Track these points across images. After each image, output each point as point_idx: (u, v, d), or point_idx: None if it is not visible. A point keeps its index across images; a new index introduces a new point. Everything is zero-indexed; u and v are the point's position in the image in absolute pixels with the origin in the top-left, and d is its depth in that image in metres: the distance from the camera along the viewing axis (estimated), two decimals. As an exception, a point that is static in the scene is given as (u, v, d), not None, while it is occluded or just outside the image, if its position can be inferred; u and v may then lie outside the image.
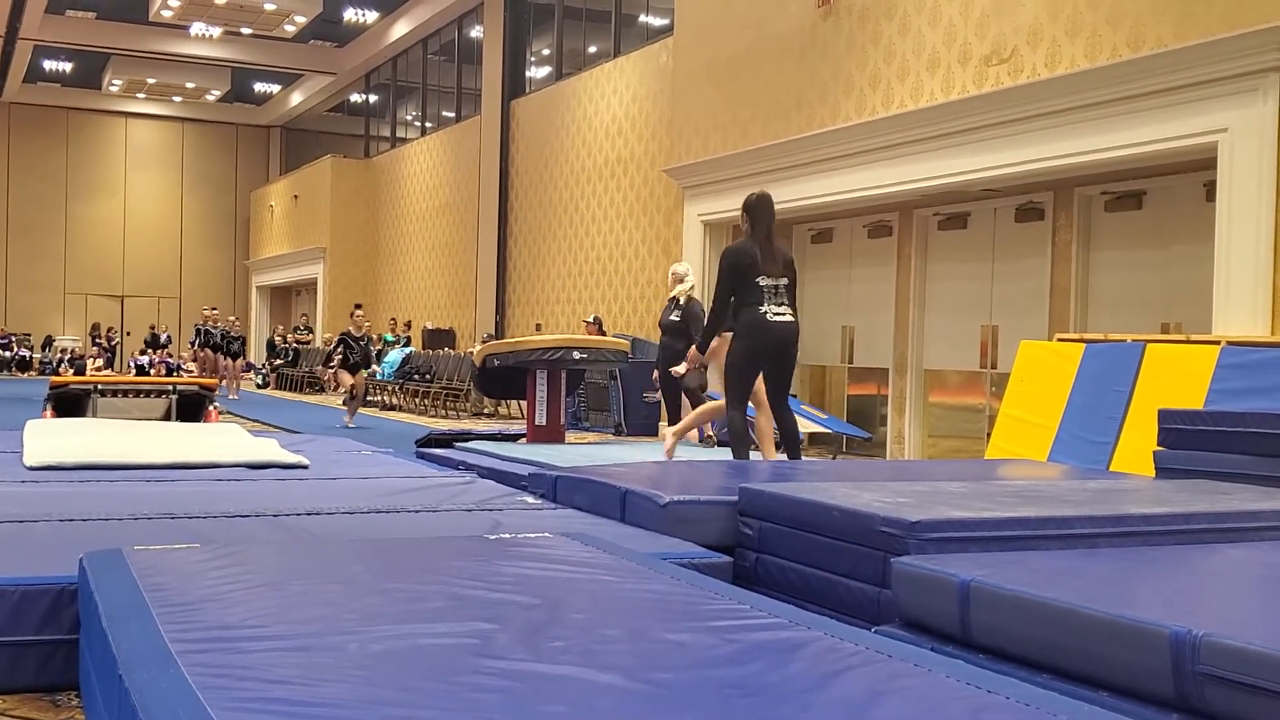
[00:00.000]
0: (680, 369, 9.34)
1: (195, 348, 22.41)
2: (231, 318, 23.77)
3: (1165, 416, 6.33)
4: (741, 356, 7.15)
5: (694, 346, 7.82)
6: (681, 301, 9.64)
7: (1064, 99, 9.81)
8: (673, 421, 10.20)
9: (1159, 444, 6.34)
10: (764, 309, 7.06)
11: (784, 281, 7.16)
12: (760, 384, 7.40)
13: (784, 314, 7.12)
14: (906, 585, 3.57)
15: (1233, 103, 8.62)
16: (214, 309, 22.96)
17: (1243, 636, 2.64)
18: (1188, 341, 8.35)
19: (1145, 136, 9.25)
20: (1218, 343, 8.01)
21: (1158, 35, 9.10)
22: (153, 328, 31.40)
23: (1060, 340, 9.30)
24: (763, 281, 7.08)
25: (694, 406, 9.62)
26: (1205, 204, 9.51)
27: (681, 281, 9.73)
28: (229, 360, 21.40)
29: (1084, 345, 8.83)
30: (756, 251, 7.11)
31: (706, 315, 9.56)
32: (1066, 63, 9.86)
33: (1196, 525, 4.28)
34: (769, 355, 7.17)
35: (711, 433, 9.46)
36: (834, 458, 12.16)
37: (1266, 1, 8.34)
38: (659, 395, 13.46)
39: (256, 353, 30.29)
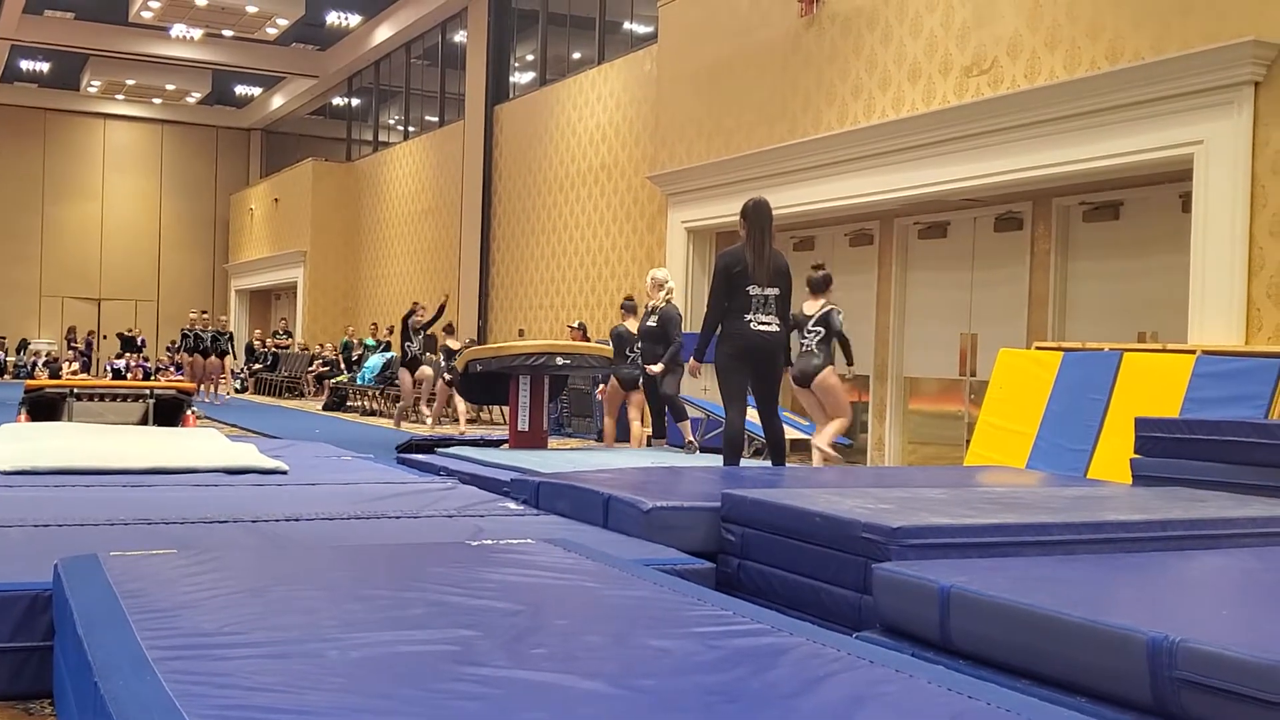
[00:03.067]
0: (656, 368, 9.39)
1: (174, 352, 22.26)
2: (221, 316, 23.66)
3: (1142, 424, 6.37)
4: (725, 360, 7.21)
5: (690, 356, 7.83)
6: (659, 306, 9.66)
7: (1043, 110, 9.87)
8: (655, 428, 10.21)
9: (1136, 451, 6.37)
10: (749, 318, 7.08)
11: (774, 292, 7.16)
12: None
13: (769, 324, 7.13)
14: (887, 591, 3.58)
15: (1208, 115, 8.68)
16: (204, 312, 22.85)
17: (1219, 642, 2.66)
18: (1164, 350, 8.41)
19: (1123, 148, 9.32)
20: (1193, 352, 8.07)
21: (1135, 48, 9.16)
22: (128, 330, 31.20)
23: (1039, 348, 9.35)
24: (752, 290, 7.09)
25: (672, 414, 9.64)
26: (1181, 215, 9.58)
27: (661, 288, 9.75)
28: (216, 360, 21.26)
29: (1062, 353, 8.87)
30: (749, 259, 7.12)
31: (680, 320, 9.66)
32: (1046, 74, 9.91)
33: (1173, 532, 4.31)
34: (750, 364, 7.18)
35: (692, 438, 9.47)
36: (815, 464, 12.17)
37: (1242, 16, 8.41)
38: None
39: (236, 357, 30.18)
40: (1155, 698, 2.74)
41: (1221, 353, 8.00)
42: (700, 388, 11.44)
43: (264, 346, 27.25)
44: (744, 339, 7.10)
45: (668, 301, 9.72)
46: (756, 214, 7.23)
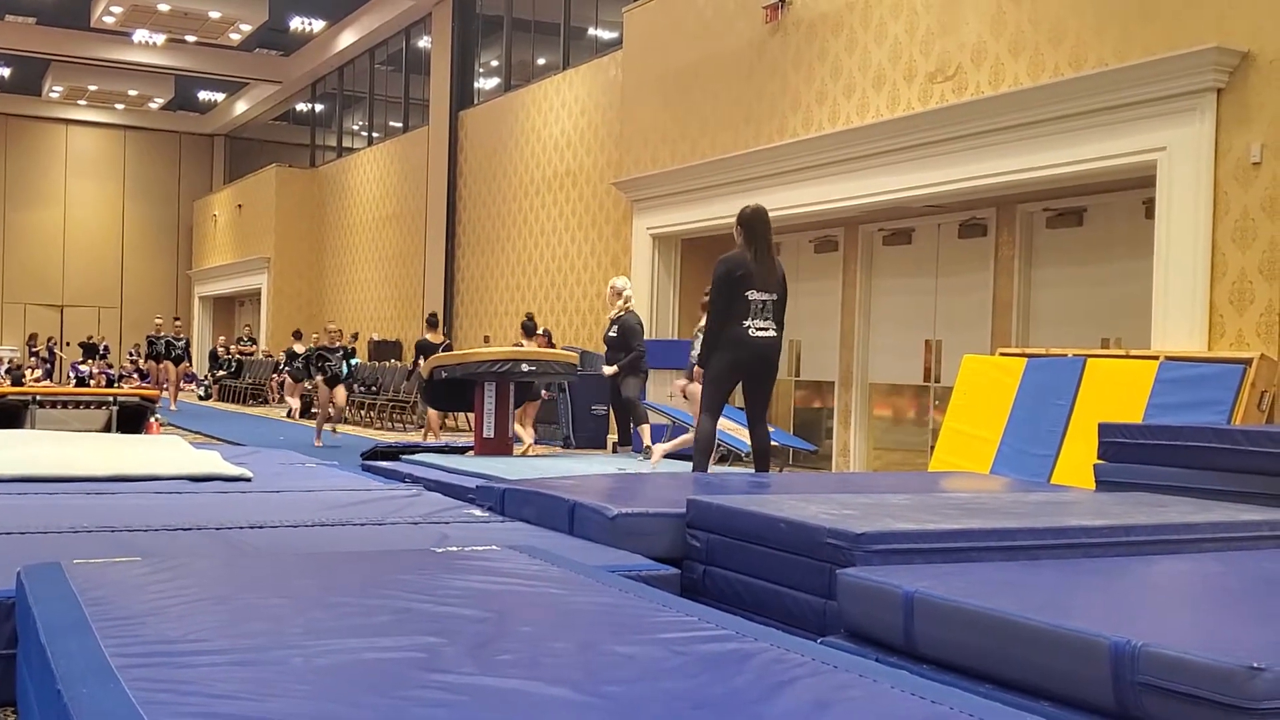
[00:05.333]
0: (610, 369, 9.48)
1: (137, 359, 22.10)
2: (175, 320, 23.50)
3: (1105, 430, 6.42)
4: (721, 368, 7.14)
5: (695, 365, 7.77)
6: (618, 316, 9.70)
7: (1007, 117, 9.94)
8: (622, 434, 10.23)
9: (1099, 457, 6.42)
10: (748, 324, 7.01)
11: (773, 297, 7.10)
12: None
13: (767, 330, 7.07)
14: (852, 596, 3.59)
15: (1171, 122, 8.77)
16: (176, 319, 22.73)
17: (1181, 646, 2.68)
18: (1127, 356, 8.49)
19: (1086, 154, 9.39)
20: (1156, 357, 8.15)
21: (1099, 55, 9.25)
22: (89, 338, 30.93)
23: (1002, 354, 9.42)
24: (752, 296, 7.02)
25: (633, 418, 9.66)
26: (1144, 221, 9.67)
27: (619, 297, 9.80)
28: (169, 365, 21.09)
29: (1026, 359, 8.94)
30: (751, 264, 7.08)
31: (641, 328, 9.71)
32: (1010, 81, 9.99)
33: (1135, 537, 4.34)
34: (748, 370, 7.15)
35: (648, 443, 9.49)
36: (780, 470, 12.21)
37: (1204, 23, 8.51)
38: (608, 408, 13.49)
39: (199, 364, 29.97)
40: (1118, 702, 2.76)
41: (1184, 358, 8.09)
42: (667, 395, 11.45)
43: (228, 353, 27.07)
44: (744, 348, 7.02)
45: (627, 310, 9.76)
46: (756, 220, 7.15)
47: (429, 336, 13.57)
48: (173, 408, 20.20)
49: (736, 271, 7.06)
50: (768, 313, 7.10)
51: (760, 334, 7.07)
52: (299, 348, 19.70)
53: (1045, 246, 11.10)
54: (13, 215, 33.65)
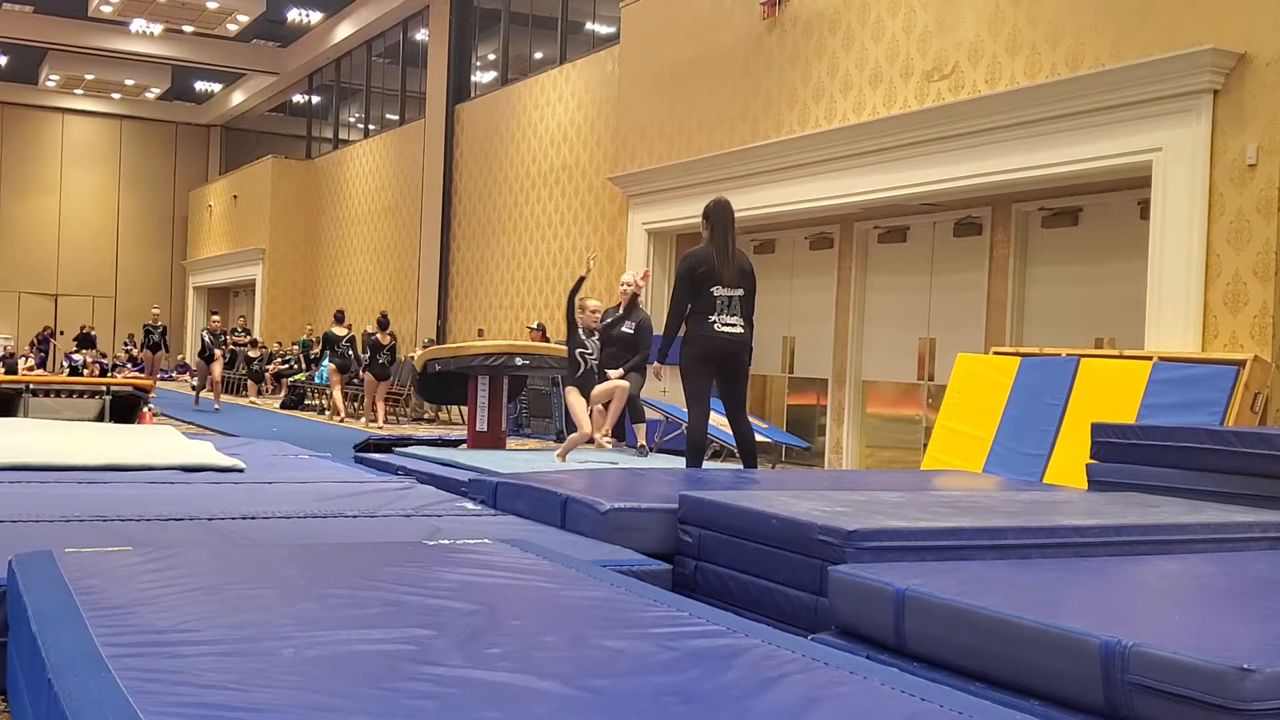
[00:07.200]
0: (616, 373, 9.33)
1: (132, 348, 22.00)
2: (154, 309, 23.32)
3: (1098, 430, 6.43)
4: (689, 361, 7.18)
5: (654, 358, 7.73)
6: (636, 315, 9.50)
7: (1003, 115, 9.94)
8: (613, 429, 10.19)
9: (1091, 457, 6.43)
10: (713, 319, 7.04)
11: (739, 292, 7.12)
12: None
13: (733, 325, 7.09)
14: (843, 593, 3.59)
15: (1167, 122, 8.78)
16: (213, 315, 22.99)
17: (1171, 646, 2.68)
18: (1121, 356, 8.50)
19: (1082, 154, 9.40)
20: (1150, 358, 8.16)
21: (1095, 55, 9.26)
22: (83, 328, 30.87)
23: (996, 353, 9.42)
24: (716, 291, 7.04)
25: (631, 415, 9.61)
26: (1140, 221, 9.67)
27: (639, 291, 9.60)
28: (213, 366, 19.70)
29: (1019, 358, 8.95)
30: (714, 259, 7.08)
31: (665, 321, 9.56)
32: (1006, 80, 9.99)
33: (1127, 537, 4.35)
34: (715, 364, 7.17)
35: (643, 441, 9.47)
36: (773, 467, 12.21)
37: (1201, 24, 8.51)
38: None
39: (192, 354, 29.92)
40: (1108, 701, 2.77)
41: (1178, 359, 8.09)
42: (660, 390, 11.46)
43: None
44: (708, 342, 7.06)
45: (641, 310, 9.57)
46: (719, 214, 7.20)
47: (335, 330, 15.81)
48: (216, 406, 18.91)
49: (699, 268, 7.05)
50: (734, 309, 7.10)
51: (726, 329, 7.07)
52: (256, 336, 22.85)
53: (1040, 246, 11.10)
54: (8, 204, 33.57)
